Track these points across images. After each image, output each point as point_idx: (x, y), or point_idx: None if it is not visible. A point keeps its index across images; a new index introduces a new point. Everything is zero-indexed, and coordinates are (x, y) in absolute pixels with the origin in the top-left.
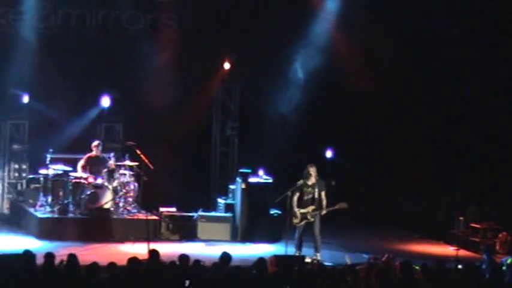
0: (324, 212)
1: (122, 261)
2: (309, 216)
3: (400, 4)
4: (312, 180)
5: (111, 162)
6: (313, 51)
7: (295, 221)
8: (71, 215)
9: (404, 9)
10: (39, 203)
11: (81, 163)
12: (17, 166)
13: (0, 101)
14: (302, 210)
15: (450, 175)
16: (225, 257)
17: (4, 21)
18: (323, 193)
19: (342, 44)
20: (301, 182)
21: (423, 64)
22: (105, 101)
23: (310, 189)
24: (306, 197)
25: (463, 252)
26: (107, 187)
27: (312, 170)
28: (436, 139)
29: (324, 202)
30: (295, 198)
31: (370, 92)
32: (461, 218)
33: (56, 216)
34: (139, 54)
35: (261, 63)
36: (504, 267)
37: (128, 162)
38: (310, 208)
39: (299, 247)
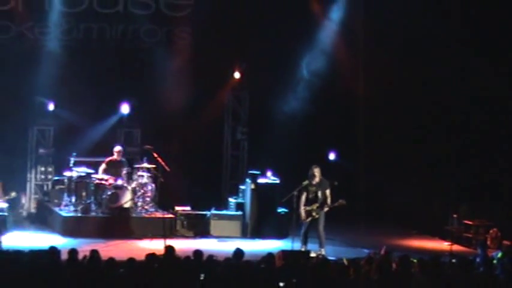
0: (326, 209)
1: (141, 257)
2: (313, 213)
3: (397, 14)
4: (316, 180)
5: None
6: (316, 59)
7: (303, 217)
8: (93, 213)
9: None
10: (63, 203)
11: (102, 166)
12: (43, 169)
13: (28, 109)
14: (307, 208)
15: (445, 176)
16: (238, 252)
17: (31, 35)
18: (327, 192)
19: (343, 51)
20: (306, 182)
21: (419, 69)
22: (125, 108)
23: (314, 188)
24: (310, 196)
25: (456, 247)
26: (126, 188)
27: (316, 171)
28: (430, 143)
29: (329, 200)
30: (303, 197)
31: (369, 96)
32: (454, 216)
33: (79, 215)
34: (155, 65)
35: (269, 72)
36: (495, 261)
37: (145, 165)
38: (315, 206)
39: (304, 242)
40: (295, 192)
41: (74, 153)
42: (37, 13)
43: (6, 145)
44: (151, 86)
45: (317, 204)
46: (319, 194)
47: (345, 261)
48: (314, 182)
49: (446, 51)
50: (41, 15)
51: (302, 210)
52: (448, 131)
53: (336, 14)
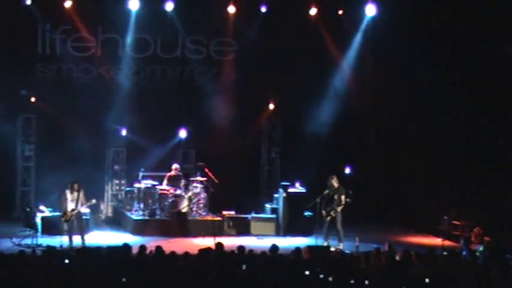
0: (339, 208)
1: (195, 251)
2: (332, 213)
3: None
4: (334, 186)
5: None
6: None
7: (324, 217)
8: (157, 217)
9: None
10: (134, 209)
11: (165, 180)
12: (117, 181)
13: (105, 134)
14: (328, 210)
15: (437, 185)
16: (273, 247)
17: (108, 74)
18: (343, 197)
19: (356, 87)
20: (326, 191)
21: (414, 98)
22: (182, 133)
23: (332, 193)
24: (332, 200)
25: (447, 243)
26: (183, 196)
27: (334, 180)
28: (425, 160)
29: (343, 203)
30: (324, 202)
31: (377, 123)
32: (445, 217)
33: (146, 218)
34: (207, 98)
35: (297, 103)
36: (478, 253)
37: (199, 178)
38: (334, 209)
39: (326, 238)
40: (318, 200)
41: (142, 169)
42: (112, 58)
43: (89, 162)
44: (203, 115)
45: (334, 206)
46: (336, 197)
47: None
48: (334, 189)
49: (437, 89)
50: (115, 60)
51: (323, 211)
52: (440, 151)
53: (349, 55)
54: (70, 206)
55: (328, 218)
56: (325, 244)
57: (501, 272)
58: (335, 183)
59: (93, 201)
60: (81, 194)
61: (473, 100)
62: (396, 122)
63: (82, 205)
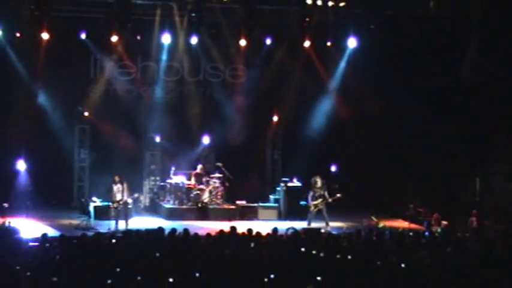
0: (330, 200)
1: (213, 233)
2: (319, 205)
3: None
4: (318, 184)
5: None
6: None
7: (311, 209)
8: (184, 206)
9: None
10: (166, 199)
11: (192, 177)
12: (153, 178)
13: (144, 141)
14: (314, 202)
15: (404, 181)
16: (275, 229)
17: (146, 94)
18: (325, 192)
19: (341, 102)
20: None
21: (385, 109)
22: (205, 140)
23: (318, 189)
24: (317, 194)
25: (413, 226)
26: (205, 190)
27: (318, 178)
28: (397, 162)
29: (327, 196)
30: (311, 195)
31: (357, 133)
32: (411, 205)
33: (176, 206)
34: (224, 112)
35: (295, 116)
36: (437, 234)
37: (217, 175)
38: (319, 200)
39: (309, 223)
40: (311, 193)
41: (173, 168)
42: (149, 81)
43: (131, 163)
44: (221, 125)
45: (321, 199)
46: (322, 192)
47: (346, 228)
48: (318, 186)
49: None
50: (152, 82)
51: (311, 204)
52: (407, 154)
53: (336, 77)
54: (118, 196)
55: (316, 209)
56: (308, 226)
57: (454, 248)
58: (319, 181)
59: (136, 195)
60: (125, 186)
61: (430, 110)
62: (372, 130)
63: (127, 196)
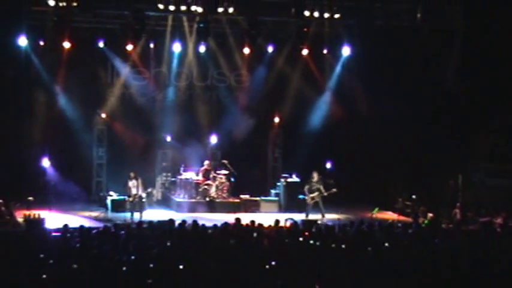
0: (325, 194)
1: (220, 224)
2: (316, 198)
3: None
4: (315, 179)
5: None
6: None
7: (308, 201)
8: (193, 200)
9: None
10: (177, 193)
11: (200, 173)
12: (164, 174)
13: (156, 140)
14: (311, 195)
15: (394, 176)
16: (277, 220)
17: (158, 97)
18: (321, 187)
19: (335, 104)
20: (311, 184)
21: (376, 110)
22: (213, 139)
23: (315, 184)
24: (313, 188)
25: (401, 218)
26: (212, 185)
27: (314, 174)
28: (386, 157)
29: (323, 190)
30: (307, 188)
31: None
32: (400, 199)
33: (186, 200)
34: (230, 114)
35: (294, 117)
36: (423, 225)
37: (223, 171)
38: (316, 194)
39: (307, 215)
40: (307, 186)
41: (183, 165)
42: (161, 85)
43: (144, 160)
44: (227, 126)
45: (317, 193)
46: (318, 186)
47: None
48: (314, 180)
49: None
50: (164, 87)
51: (308, 197)
52: (397, 152)
53: (331, 82)
54: (133, 191)
55: (312, 201)
56: (306, 217)
57: (440, 237)
58: (315, 176)
59: (149, 189)
60: (140, 182)
61: (417, 111)
62: (364, 129)
63: (141, 191)
